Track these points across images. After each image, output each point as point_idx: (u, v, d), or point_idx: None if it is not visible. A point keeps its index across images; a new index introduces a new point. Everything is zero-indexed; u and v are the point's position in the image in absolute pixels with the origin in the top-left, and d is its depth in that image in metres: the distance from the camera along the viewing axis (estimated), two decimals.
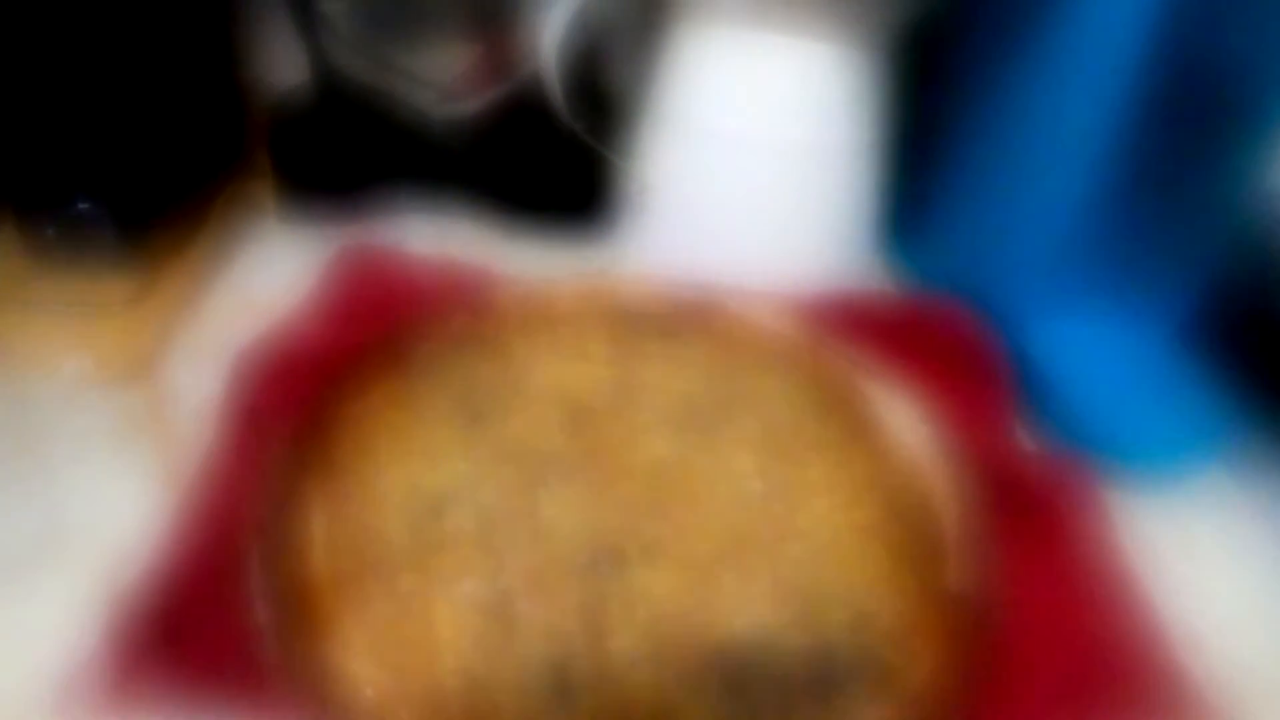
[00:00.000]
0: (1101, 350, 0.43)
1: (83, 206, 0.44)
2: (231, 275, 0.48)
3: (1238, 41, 0.38)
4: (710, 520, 0.32)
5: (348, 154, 0.53)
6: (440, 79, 0.52)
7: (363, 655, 0.27)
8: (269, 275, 0.48)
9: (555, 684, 0.27)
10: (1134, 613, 0.33)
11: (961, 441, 0.37)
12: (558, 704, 0.27)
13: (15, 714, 0.28)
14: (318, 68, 0.53)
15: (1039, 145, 0.43)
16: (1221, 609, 0.34)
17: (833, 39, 0.43)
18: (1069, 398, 0.42)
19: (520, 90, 0.50)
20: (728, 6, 0.43)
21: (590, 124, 0.48)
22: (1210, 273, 0.43)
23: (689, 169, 0.47)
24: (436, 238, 0.51)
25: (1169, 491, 0.39)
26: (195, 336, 0.43)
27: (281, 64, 0.55)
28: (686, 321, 0.41)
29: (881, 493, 0.35)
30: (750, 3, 0.43)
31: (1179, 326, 0.44)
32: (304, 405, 0.35)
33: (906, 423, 0.37)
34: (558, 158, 0.50)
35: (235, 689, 0.27)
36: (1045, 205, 0.44)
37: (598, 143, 0.49)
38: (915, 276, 0.49)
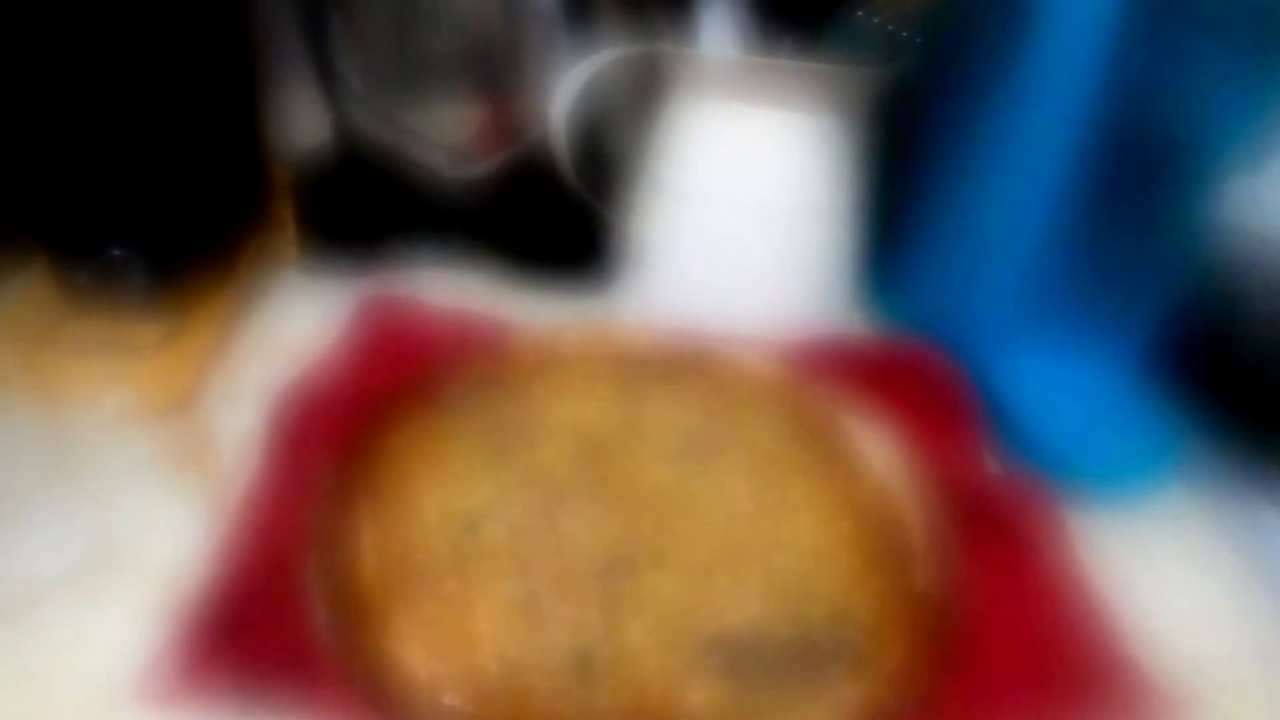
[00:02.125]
0: (1065, 381, 0.46)
1: (116, 253, 0.46)
2: (257, 322, 0.51)
3: (1182, 89, 0.41)
4: (708, 533, 0.37)
5: (366, 210, 0.56)
6: (450, 141, 0.55)
7: (415, 646, 0.32)
8: (292, 322, 0.50)
9: (578, 667, 0.32)
10: (1090, 613, 0.35)
11: (932, 466, 0.40)
12: (581, 684, 0.31)
13: (84, 713, 0.31)
14: (338, 129, 0.56)
15: (999, 196, 0.46)
16: (1180, 615, 0.37)
17: (812, 109, 0.47)
18: (1035, 426, 0.44)
19: (527, 153, 0.54)
20: (718, 81, 0.47)
21: (592, 185, 0.52)
22: (1166, 304, 0.45)
23: (682, 227, 0.50)
24: (449, 288, 0.54)
25: (1131, 511, 0.41)
26: (228, 377, 0.46)
27: (304, 123, 0.58)
28: (683, 365, 0.45)
29: (856, 509, 0.39)
30: (738, 78, 0.47)
31: (1138, 355, 0.46)
32: (344, 438, 0.39)
33: (879, 449, 0.41)
34: (562, 216, 0.54)
35: (297, 681, 0.30)
36: (1007, 250, 0.47)
37: (599, 202, 0.53)
38: (891, 320, 0.53)
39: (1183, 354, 0.46)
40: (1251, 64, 0.40)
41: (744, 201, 0.49)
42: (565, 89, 0.49)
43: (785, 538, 0.37)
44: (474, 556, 0.34)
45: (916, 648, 0.34)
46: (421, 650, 0.31)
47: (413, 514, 0.36)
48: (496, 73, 0.54)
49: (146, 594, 0.34)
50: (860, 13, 0.47)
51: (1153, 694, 0.33)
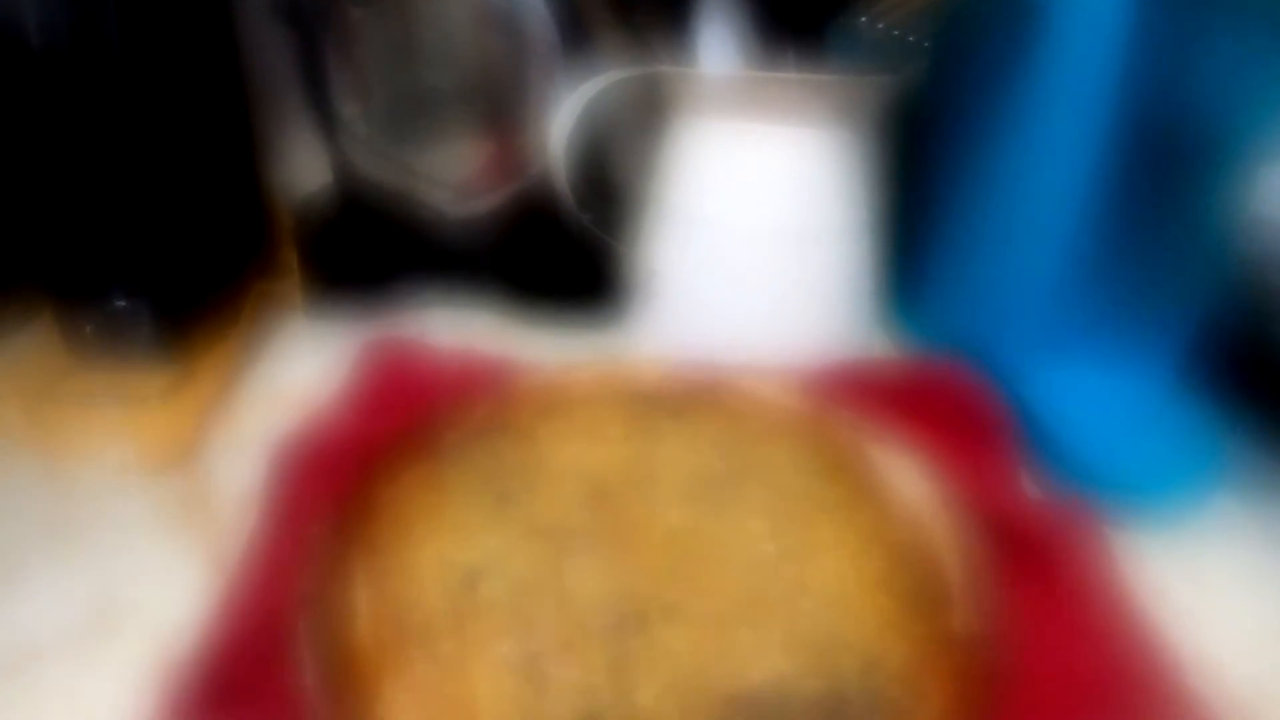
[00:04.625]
0: (1101, 393, 0.45)
1: (120, 303, 0.46)
2: (263, 369, 0.50)
3: (1205, 82, 0.39)
4: (726, 581, 0.34)
5: (370, 252, 0.56)
6: (454, 179, 0.55)
7: (408, 714, 0.29)
8: (298, 368, 0.50)
9: None
10: (1142, 642, 0.33)
11: (966, 494, 0.38)
12: None
13: None
14: (339, 171, 0.56)
15: (1023, 202, 0.45)
16: (1234, 633, 0.35)
17: (820, 122, 0.46)
18: (1073, 442, 0.43)
19: (531, 187, 0.53)
20: (721, 99, 0.46)
21: (597, 216, 0.51)
22: (1202, 307, 0.44)
23: (692, 254, 0.49)
24: (456, 328, 0.53)
25: (1177, 525, 0.40)
26: (231, 427, 0.45)
27: (305, 168, 0.58)
28: (697, 400, 0.43)
29: (887, 546, 0.36)
30: (741, 95, 0.45)
31: (1176, 362, 0.45)
32: (341, 491, 0.37)
33: (909, 480, 0.39)
34: (568, 249, 0.53)
35: None
36: (1034, 258, 0.45)
37: (605, 233, 0.51)
38: (917, 339, 0.51)
39: (1220, 356, 0.44)
40: (1275, 51, 0.38)
41: (754, 224, 0.48)
42: (562, 117, 0.47)
43: (811, 582, 0.34)
44: (473, 615, 0.32)
45: (958, 696, 0.31)
46: (416, 718, 0.29)
47: (409, 570, 0.34)
48: (498, 107, 0.53)
49: (143, 657, 0.33)
50: (864, 18, 0.45)
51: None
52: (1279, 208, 0.42)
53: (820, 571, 0.35)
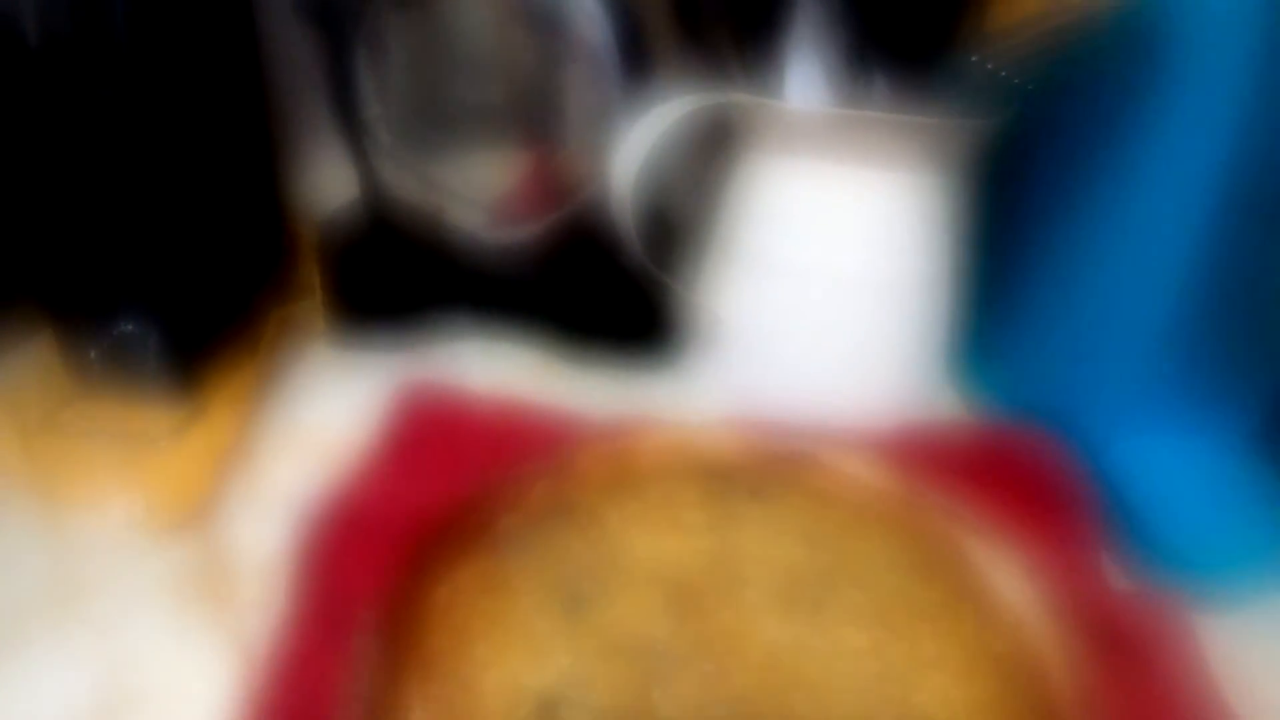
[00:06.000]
0: (1188, 466, 0.42)
1: (127, 327, 0.44)
2: (284, 405, 0.47)
3: None
4: (831, 709, 0.31)
5: (400, 276, 0.52)
6: (490, 199, 0.51)
7: None
8: (323, 406, 0.47)
9: None
10: None
11: (1052, 584, 0.35)
12: None
13: None
14: (367, 186, 0.52)
15: (1124, 260, 0.42)
16: None
17: (906, 166, 0.43)
18: (1157, 517, 0.40)
19: (578, 213, 0.49)
20: (795, 136, 0.43)
21: (657, 254, 0.47)
22: None
23: (758, 300, 0.46)
24: (496, 367, 0.50)
25: (1267, 607, 0.37)
26: (251, 476, 0.42)
27: (330, 182, 0.55)
28: (777, 477, 0.39)
29: (994, 662, 0.33)
30: (823, 132, 0.42)
31: (1266, 432, 0.42)
32: (386, 585, 0.33)
33: (1010, 580, 0.36)
34: (620, 286, 0.49)
35: None
36: (1132, 320, 0.43)
37: (664, 273, 0.48)
38: (993, 401, 0.48)
39: None
40: None
41: (827, 271, 0.44)
42: (633, 146, 0.43)
43: (919, 708, 0.31)
44: None
45: None
46: None
47: (473, 699, 0.30)
48: (541, 121, 0.49)
49: None
50: (975, 57, 0.41)
51: None
52: None
53: (928, 694, 0.32)
